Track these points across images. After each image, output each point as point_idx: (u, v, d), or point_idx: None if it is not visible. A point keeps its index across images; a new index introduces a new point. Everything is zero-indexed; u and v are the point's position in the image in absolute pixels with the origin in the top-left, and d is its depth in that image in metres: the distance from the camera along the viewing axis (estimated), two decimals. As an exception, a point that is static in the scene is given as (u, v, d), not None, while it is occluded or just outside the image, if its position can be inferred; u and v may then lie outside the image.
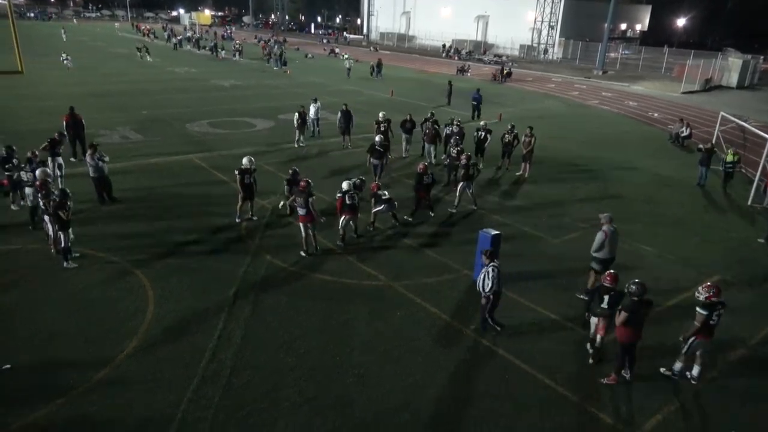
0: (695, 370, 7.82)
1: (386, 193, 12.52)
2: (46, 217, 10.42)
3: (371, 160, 15.43)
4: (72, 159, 16.35)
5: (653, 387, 7.73)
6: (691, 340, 7.57)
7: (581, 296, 9.74)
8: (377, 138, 15.76)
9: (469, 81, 40.78)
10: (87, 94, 27.60)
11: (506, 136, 17.29)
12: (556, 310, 9.53)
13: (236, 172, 12.25)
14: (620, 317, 7.36)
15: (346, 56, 47.03)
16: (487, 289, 8.37)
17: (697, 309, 7.48)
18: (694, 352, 7.68)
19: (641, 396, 7.53)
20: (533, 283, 10.45)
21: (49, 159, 13.63)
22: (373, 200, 12.41)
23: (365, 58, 46.47)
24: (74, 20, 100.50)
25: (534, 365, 8.03)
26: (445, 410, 7.11)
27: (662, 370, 7.95)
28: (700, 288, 7.57)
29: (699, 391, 7.70)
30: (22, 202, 12.80)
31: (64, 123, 16.26)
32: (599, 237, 9.50)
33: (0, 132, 19.11)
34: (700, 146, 17.73)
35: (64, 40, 55.22)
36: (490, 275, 8.35)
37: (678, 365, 7.84)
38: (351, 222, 11.69)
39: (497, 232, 10.03)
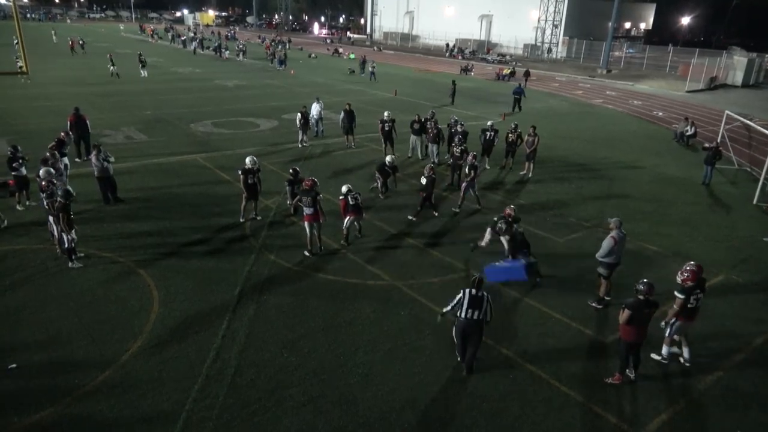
0: (686, 353, 8.08)
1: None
2: (50, 218, 10.46)
3: (378, 176, 14.47)
4: (77, 159, 16.42)
5: (658, 387, 7.71)
6: (672, 321, 7.87)
7: (593, 304, 9.64)
8: (388, 158, 14.49)
9: (473, 80, 40.78)
10: (92, 94, 27.73)
11: (509, 135, 17.25)
12: (561, 309, 9.51)
13: (239, 173, 12.27)
14: (623, 315, 7.35)
15: (352, 56, 46.79)
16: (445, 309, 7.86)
17: (675, 293, 7.78)
18: (676, 333, 7.97)
19: (646, 396, 7.51)
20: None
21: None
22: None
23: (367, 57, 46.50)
24: (68, 20, 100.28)
25: (538, 364, 8.02)
26: (450, 409, 7.11)
27: (653, 355, 8.10)
28: (678, 273, 7.88)
29: (704, 391, 7.67)
30: (27, 203, 12.87)
31: (69, 123, 16.34)
32: (608, 243, 9.17)
33: (6, 133, 19.26)
34: (705, 145, 17.67)
35: (55, 41, 55.50)
36: (457, 297, 7.64)
37: (665, 349, 8.05)
38: (356, 222, 11.70)
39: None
